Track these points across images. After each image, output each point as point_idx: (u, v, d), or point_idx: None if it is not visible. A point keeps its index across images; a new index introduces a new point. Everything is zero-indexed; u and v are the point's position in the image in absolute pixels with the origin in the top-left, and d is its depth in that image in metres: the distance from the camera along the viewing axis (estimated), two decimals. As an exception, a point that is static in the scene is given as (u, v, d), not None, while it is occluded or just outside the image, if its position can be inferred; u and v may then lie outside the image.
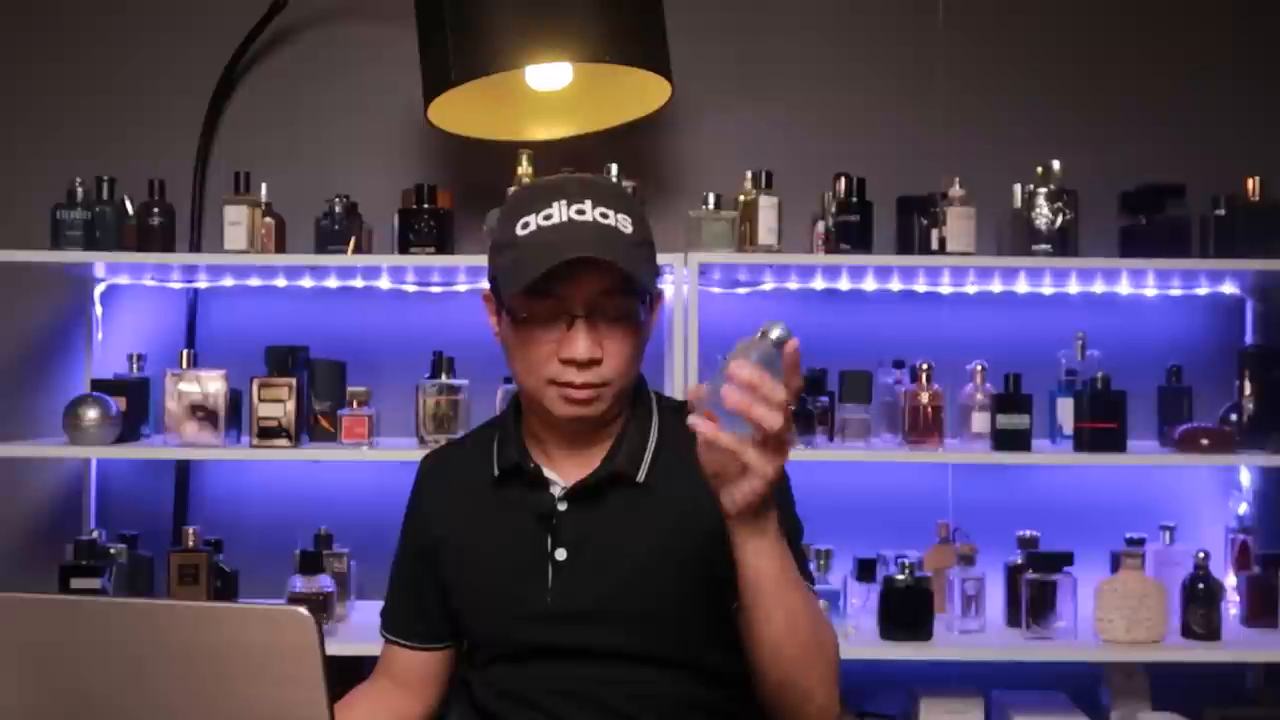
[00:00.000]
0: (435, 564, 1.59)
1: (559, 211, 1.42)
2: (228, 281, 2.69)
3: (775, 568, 1.29)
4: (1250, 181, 2.52)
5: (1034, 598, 2.40)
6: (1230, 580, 2.58)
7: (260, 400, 2.42)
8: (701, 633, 1.47)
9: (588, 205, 1.42)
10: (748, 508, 1.25)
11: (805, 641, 1.34)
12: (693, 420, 1.21)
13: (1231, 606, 2.55)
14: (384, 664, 1.68)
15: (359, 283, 2.68)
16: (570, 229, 1.41)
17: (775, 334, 1.28)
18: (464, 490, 1.59)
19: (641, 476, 1.50)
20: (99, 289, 2.71)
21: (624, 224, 1.43)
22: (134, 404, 2.52)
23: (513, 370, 1.50)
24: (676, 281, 2.44)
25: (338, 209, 2.53)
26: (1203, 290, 2.69)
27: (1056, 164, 2.48)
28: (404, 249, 2.47)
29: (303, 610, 1.08)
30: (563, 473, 1.52)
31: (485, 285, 2.75)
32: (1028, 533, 2.56)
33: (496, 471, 1.55)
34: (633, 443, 1.52)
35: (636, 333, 1.47)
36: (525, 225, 1.42)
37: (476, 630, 1.57)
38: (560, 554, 1.49)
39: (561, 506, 1.50)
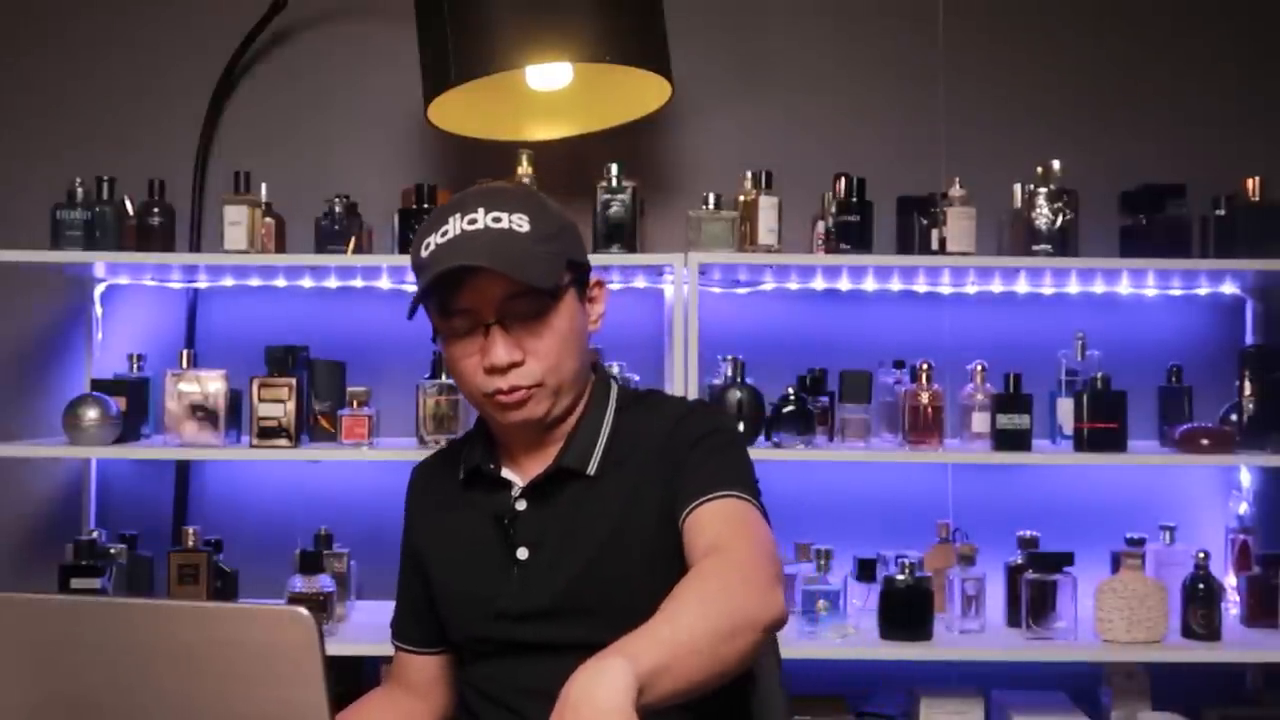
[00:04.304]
0: (422, 569, 1.63)
1: (453, 226, 1.45)
2: (228, 281, 2.69)
3: (675, 676, 1.17)
4: (1250, 181, 2.52)
5: (1034, 598, 2.40)
6: (1230, 580, 2.58)
7: (260, 400, 2.42)
8: None
9: (480, 213, 1.45)
10: None
11: (722, 627, 1.23)
12: None
13: (1232, 607, 2.55)
14: (394, 669, 1.72)
15: (359, 283, 2.68)
16: (461, 240, 1.44)
17: None
18: (439, 496, 1.63)
19: (592, 470, 1.51)
20: (99, 289, 2.71)
21: (519, 223, 1.45)
22: (134, 404, 2.52)
23: (459, 390, 1.54)
24: (676, 281, 2.44)
25: (338, 209, 2.53)
26: (1203, 290, 2.69)
27: (1056, 164, 2.48)
28: (404, 249, 2.47)
29: (303, 610, 1.08)
30: (523, 472, 1.55)
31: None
32: (1028, 533, 2.56)
33: (462, 475, 1.59)
34: (584, 437, 1.53)
35: (559, 327, 1.47)
36: (427, 247, 1.47)
37: (455, 631, 1.60)
38: (522, 553, 1.51)
39: (520, 505, 1.53)
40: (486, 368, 1.46)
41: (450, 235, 1.44)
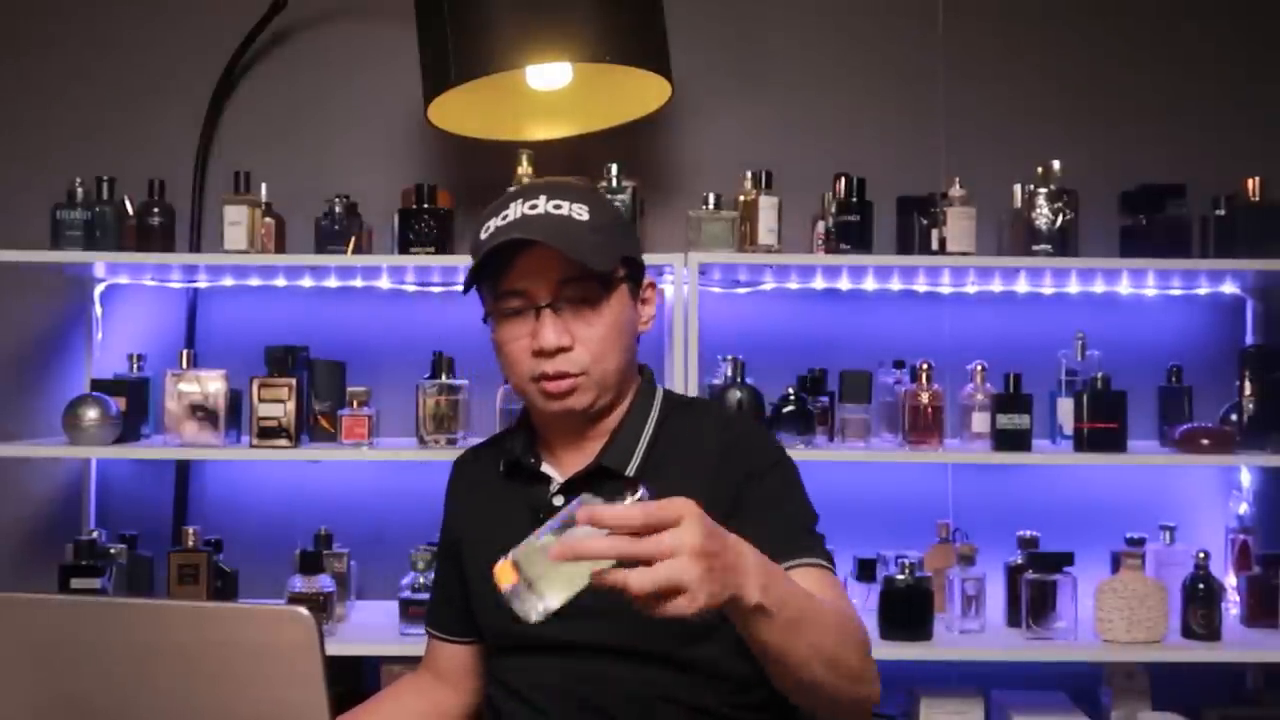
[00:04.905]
0: (458, 560, 1.64)
1: (514, 210, 1.48)
2: (228, 281, 2.69)
3: (778, 638, 1.22)
4: (1250, 181, 2.51)
5: (1034, 598, 2.40)
6: (1230, 580, 2.58)
7: (260, 400, 2.42)
8: (681, 628, 1.46)
9: (541, 200, 1.48)
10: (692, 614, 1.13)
11: (834, 655, 1.29)
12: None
13: (1232, 607, 2.55)
14: (426, 656, 1.74)
15: (359, 283, 2.68)
16: (520, 221, 1.47)
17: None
18: (479, 487, 1.64)
19: (631, 470, 1.52)
20: (99, 289, 2.71)
21: (579, 212, 1.48)
22: (134, 404, 2.52)
23: (505, 377, 1.55)
24: (676, 281, 2.44)
25: (338, 209, 2.53)
26: (1203, 290, 2.69)
27: (1056, 164, 2.48)
28: (404, 249, 2.47)
29: (303, 610, 1.08)
30: (563, 467, 1.56)
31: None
32: (1028, 533, 2.56)
33: (502, 467, 1.60)
34: (627, 436, 1.54)
35: (609, 318, 1.49)
36: (487, 229, 1.49)
37: (482, 623, 1.61)
38: None
39: (557, 501, 1.53)
40: (535, 350, 1.47)
41: (510, 218, 1.47)
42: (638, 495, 1.10)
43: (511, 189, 1.54)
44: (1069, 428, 2.49)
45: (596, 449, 1.54)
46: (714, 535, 1.12)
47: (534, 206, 1.47)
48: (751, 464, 1.50)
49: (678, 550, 1.08)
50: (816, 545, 1.48)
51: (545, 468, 1.56)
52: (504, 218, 1.48)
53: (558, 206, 1.47)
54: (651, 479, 1.49)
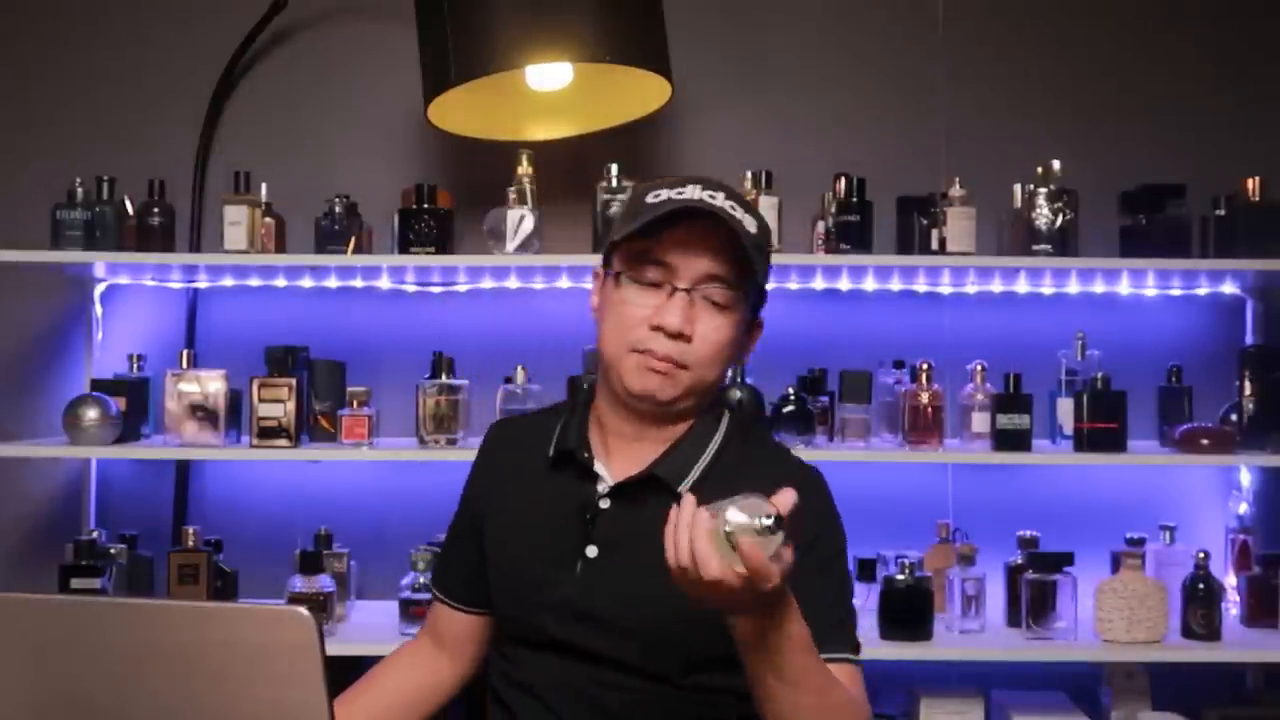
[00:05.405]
0: (481, 532, 1.60)
1: (692, 191, 1.46)
2: (228, 281, 2.69)
3: (758, 658, 1.28)
4: (1250, 181, 2.51)
5: (1034, 598, 2.40)
6: (1230, 580, 2.58)
7: (260, 400, 2.42)
8: (711, 657, 1.44)
9: (720, 196, 1.46)
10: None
11: None
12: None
13: (1232, 607, 2.55)
14: (429, 619, 1.71)
15: (359, 283, 2.68)
16: (700, 202, 1.44)
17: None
18: (520, 467, 1.59)
19: (684, 488, 1.47)
20: (99, 289, 2.71)
21: (748, 222, 1.47)
22: (134, 404, 2.52)
23: (600, 338, 1.51)
24: (676, 281, 2.44)
25: (338, 209, 2.53)
26: (1203, 290, 2.69)
27: (1056, 164, 2.48)
28: (404, 249, 2.47)
29: (303, 610, 1.08)
30: (614, 468, 1.51)
31: (487, 284, 2.74)
32: (1028, 533, 2.56)
33: (552, 454, 1.55)
34: (686, 452, 1.50)
35: (733, 330, 1.47)
36: (657, 195, 1.46)
37: (501, 608, 1.57)
38: (591, 551, 1.49)
39: (604, 503, 1.50)
40: (655, 324, 1.44)
41: (687, 196, 1.45)
42: (774, 518, 1.18)
43: (684, 176, 1.52)
44: (1069, 428, 2.50)
45: (652, 455, 1.50)
46: (771, 616, 1.23)
47: (712, 196, 1.45)
48: (804, 532, 1.42)
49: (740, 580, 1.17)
50: (844, 636, 1.46)
51: (598, 466, 1.52)
52: (679, 192, 1.45)
53: (734, 208, 1.45)
54: (703, 500, 1.32)
